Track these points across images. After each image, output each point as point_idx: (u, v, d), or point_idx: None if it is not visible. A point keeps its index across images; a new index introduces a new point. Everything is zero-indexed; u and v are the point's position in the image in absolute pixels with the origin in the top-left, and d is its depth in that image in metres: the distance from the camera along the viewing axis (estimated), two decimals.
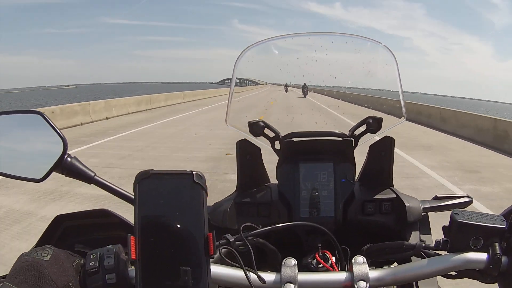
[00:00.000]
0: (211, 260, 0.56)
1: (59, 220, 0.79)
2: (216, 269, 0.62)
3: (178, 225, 0.54)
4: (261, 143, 0.91)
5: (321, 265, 0.77)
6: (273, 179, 0.94)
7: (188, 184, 0.55)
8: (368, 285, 0.62)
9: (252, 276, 0.62)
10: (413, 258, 0.73)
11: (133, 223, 0.54)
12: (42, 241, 0.74)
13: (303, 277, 0.64)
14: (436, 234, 0.78)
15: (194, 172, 0.55)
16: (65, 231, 0.80)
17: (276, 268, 0.65)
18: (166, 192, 0.55)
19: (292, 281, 0.62)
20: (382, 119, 0.89)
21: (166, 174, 0.56)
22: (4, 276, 0.60)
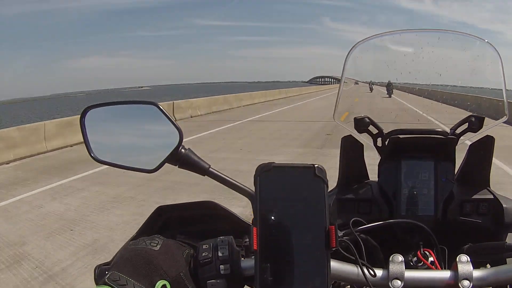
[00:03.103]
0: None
1: (161, 211, 0.79)
2: (331, 263, 0.61)
3: (299, 218, 0.54)
4: (363, 139, 0.91)
5: (422, 263, 0.76)
6: (371, 176, 0.94)
7: (309, 178, 0.55)
8: (471, 285, 0.61)
9: (363, 270, 0.62)
10: (508, 260, 0.72)
11: (240, 216, 0.54)
12: (143, 231, 0.75)
13: (410, 274, 0.63)
14: None
15: (316, 166, 0.55)
16: (166, 222, 0.80)
17: (379, 265, 0.65)
18: (287, 185, 0.55)
19: (400, 277, 0.62)
20: (484, 117, 0.88)
21: (287, 167, 0.56)
22: (107, 263, 0.61)
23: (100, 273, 0.60)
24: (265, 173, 0.56)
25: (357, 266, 0.63)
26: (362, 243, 0.67)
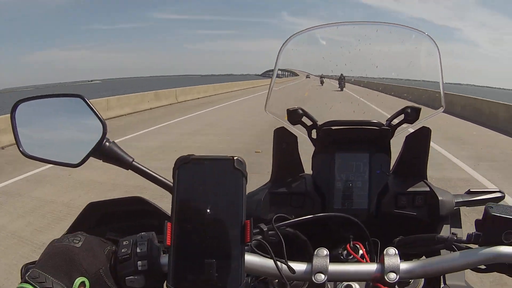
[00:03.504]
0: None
1: (92, 207, 0.78)
2: (248, 258, 0.61)
3: (216, 212, 0.54)
4: (298, 131, 0.90)
5: (352, 256, 0.77)
6: (307, 169, 0.93)
7: (228, 170, 0.54)
8: (398, 277, 0.61)
9: (283, 266, 0.62)
10: (442, 252, 0.72)
11: (167, 211, 0.54)
12: (74, 228, 0.73)
13: (334, 267, 0.63)
14: (467, 230, 0.78)
15: (235, 158, 0.55)
16: (98, 218, 0.79)
17: (308, 259, 0.65)
18: (205, 178, 0.54)
19: (323, 271, 0.62)
20: (420, 108, 0.87)
21: (206, 159, 0.55)
22: (34, 262, 0.60)
23: (25, 271, 0.59)
24: (183, 165, 0.55)
25: (277, 262, 0.62)
26: (283, 238, 0.66)
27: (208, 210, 0.54)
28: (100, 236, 0.64)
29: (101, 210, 0.79)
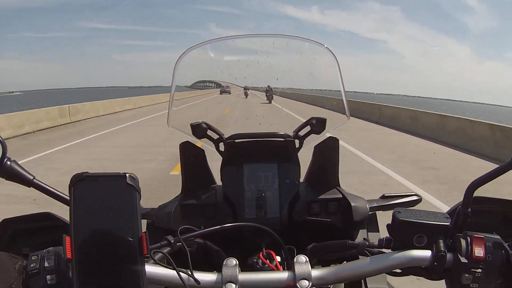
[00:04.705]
0: (149, 261, 0.59)
1: (5, 224, 0.80)
2: (153, 270, 0.62)
3: (113, 226, 0.55)
4: (206, 145, 0.90)
5: (266, 265, 0.76)
6: (219, 180, 0.93)
7: (122, 186, 0.56)
8: (310, 284, 0.62)
9: (189, 277, 0.62)
10: (361, 257, 0.73)
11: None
12: None
13: (245, 276, 0.64)
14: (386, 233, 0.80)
15: (127, 175, 0.56)
16: (12, 235, 0.81)
17: (220, 269, 0.65)
18: (100, 194, 0.56)
19: (233, 280, 0.62)
20: (325, 119, 0.90)
21: (100, 176, 0.56)
22: None
23: None
24: (79, 182, 0.56)
25: (180, 274, 0.62)
26: (188, 249, 0.67)
27: (105, 225, 0.55)
28: (15, 252, 0.65)
29: (16, 226, 0.81)
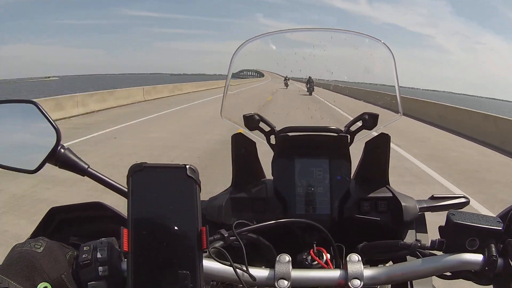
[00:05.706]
0: (204, 255, 0.56)
1: (54, 212, 0.78)
2: (209, 264, 0.62)
3: (171, 219, 0.54)
4: (257, 137, 0.90)
5: (316, 262, 0.76)
6: (269, 174, 0.93)
7: (181, 178, 0.55)
8: (362, 284, 0.61)
9: (244, 273, 0.62)
10: (408, 257, 0.72)
11: (126, 216, 0.54)
12: (37, 233, 0.74)
13: (297, 273, 0.63)
14: (433, 234, 0.77)
15: (187, 166, 0.55)
16: (60, 224, 0.79)
17: (271, 264, 0.65)
18: (159, 185, 0.55)
19: (286, 277, 0.62)
20: (378, 115, 0.88)
21: (159, 167, 0.56)
22: None
23: None
24: (137, 173, 0.55)
25: (236, 270, 0.62)
26: (243, 245, 0.66)
27: (163, 217, 0.55)
28: (62, 241, 0.65)
29: (63, 215, 0.79)
